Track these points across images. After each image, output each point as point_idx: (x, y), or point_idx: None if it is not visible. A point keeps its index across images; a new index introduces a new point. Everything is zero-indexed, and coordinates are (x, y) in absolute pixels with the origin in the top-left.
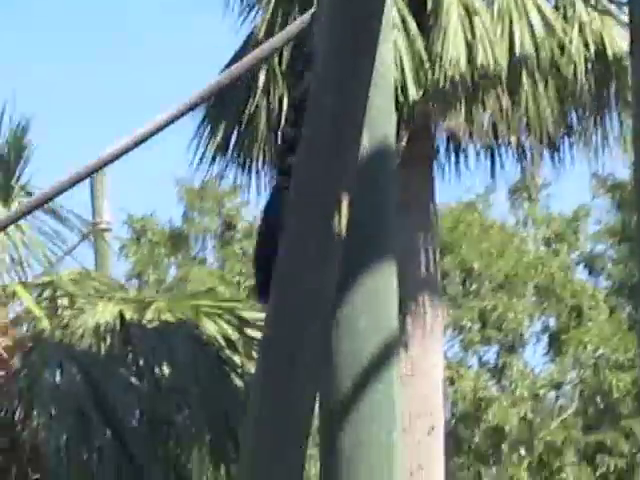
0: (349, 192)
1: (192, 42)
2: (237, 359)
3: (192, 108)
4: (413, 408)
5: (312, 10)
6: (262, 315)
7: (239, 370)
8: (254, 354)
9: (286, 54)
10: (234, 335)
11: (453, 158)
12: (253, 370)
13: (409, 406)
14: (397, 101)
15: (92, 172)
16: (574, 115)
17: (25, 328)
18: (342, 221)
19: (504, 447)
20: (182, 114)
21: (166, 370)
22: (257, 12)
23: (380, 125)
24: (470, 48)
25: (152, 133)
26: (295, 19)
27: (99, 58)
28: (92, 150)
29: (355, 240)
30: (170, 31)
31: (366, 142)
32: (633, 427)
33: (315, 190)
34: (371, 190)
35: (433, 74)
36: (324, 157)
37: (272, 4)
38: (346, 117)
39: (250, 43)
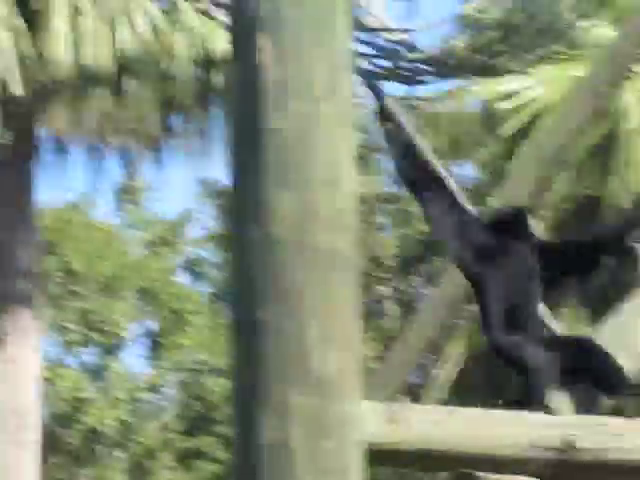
0: None
1: None
2: None
3: None
4: (7, 406)
5: None
6: None
7: None
8: None
9: None
10: None
11: (56, 157)
12: None
13: (2, 404)
14: None
15: None
16: (178, 118)
17: None
18: None
19: (100, 448)
20: None
21: None
22: None
23: None
24: (77, 48)
25: None
26: None
27: None
28: None
29: None
30: None
31: None
32: (228, 433)
33: None
34: None
35: (38, 73)
36: None
37: None
38: None
39: None
